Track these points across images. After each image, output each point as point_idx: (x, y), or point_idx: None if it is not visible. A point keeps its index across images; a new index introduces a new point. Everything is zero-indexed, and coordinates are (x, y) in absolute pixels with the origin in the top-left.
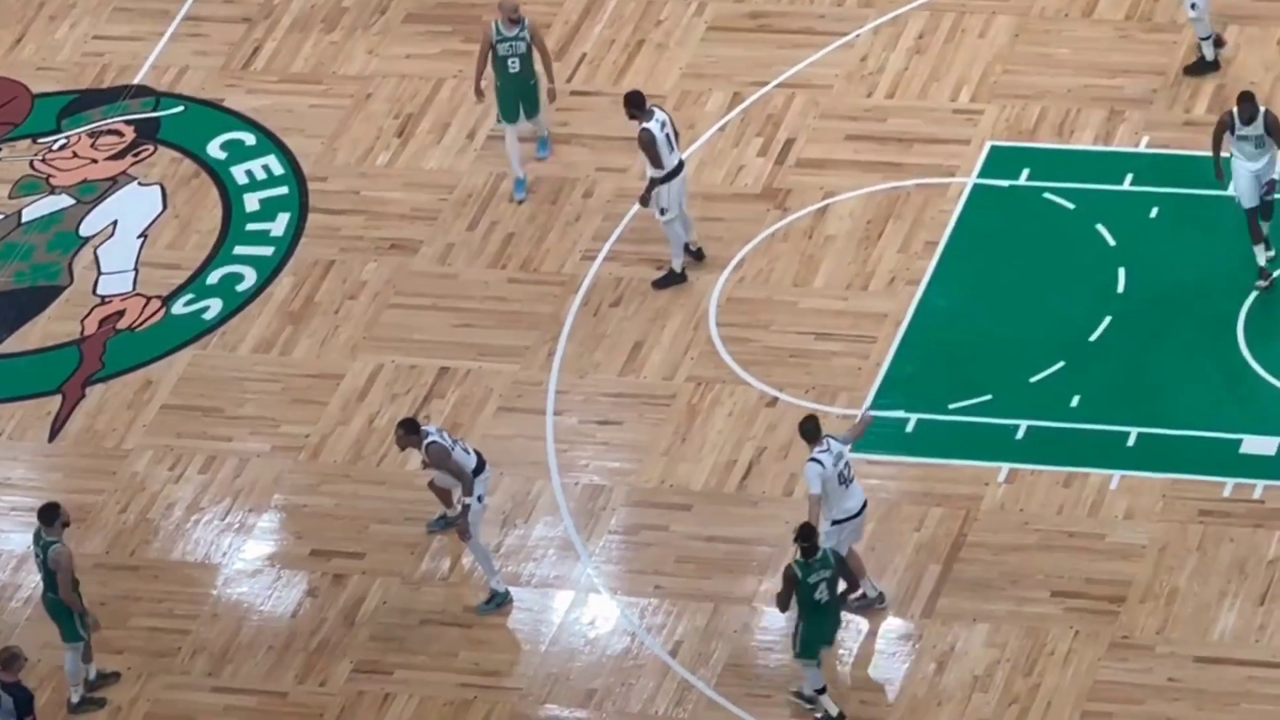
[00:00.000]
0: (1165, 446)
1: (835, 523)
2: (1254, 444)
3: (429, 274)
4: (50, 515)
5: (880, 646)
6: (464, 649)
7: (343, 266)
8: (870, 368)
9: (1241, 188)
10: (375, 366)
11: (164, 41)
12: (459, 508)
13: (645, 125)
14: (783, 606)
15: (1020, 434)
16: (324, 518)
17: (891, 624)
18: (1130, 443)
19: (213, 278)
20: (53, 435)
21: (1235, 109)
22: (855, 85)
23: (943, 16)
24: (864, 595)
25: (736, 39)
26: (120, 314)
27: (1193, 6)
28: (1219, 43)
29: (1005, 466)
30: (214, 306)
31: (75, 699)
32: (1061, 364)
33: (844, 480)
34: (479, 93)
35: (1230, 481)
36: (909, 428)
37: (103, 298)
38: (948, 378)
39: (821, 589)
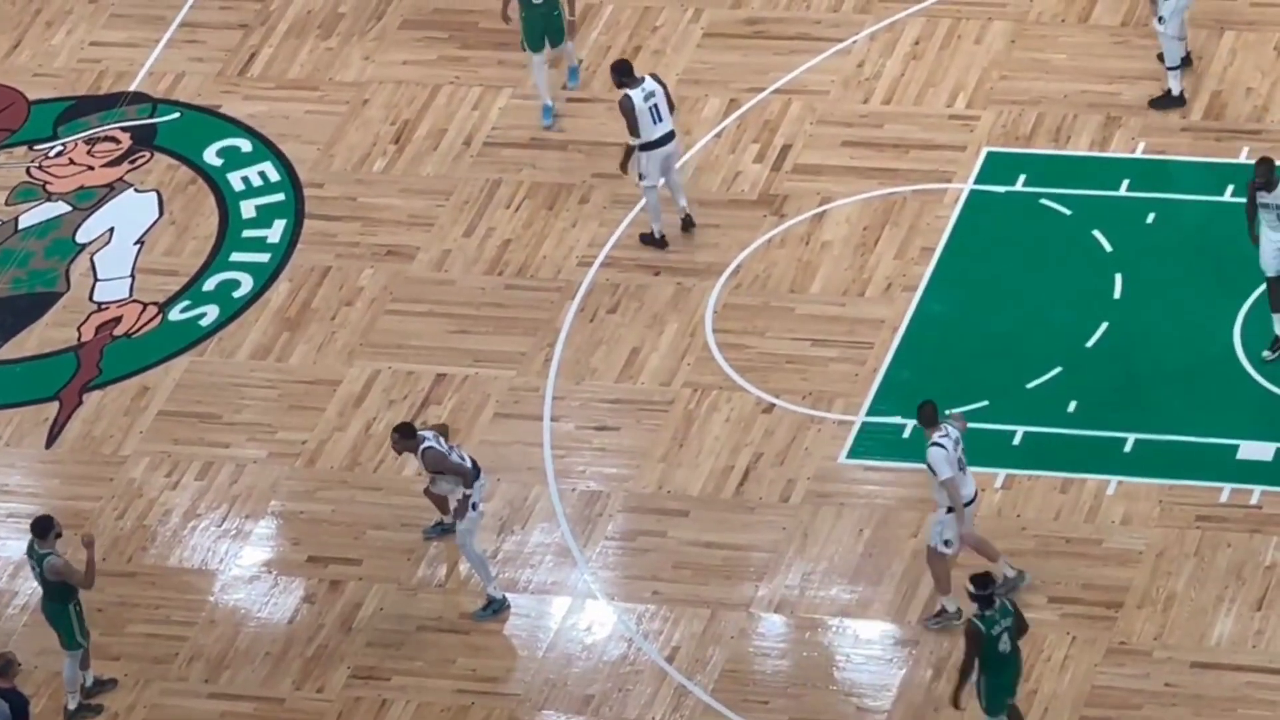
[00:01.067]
0: (1162, 452)
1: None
2: (1251, 449)
3: (426, 280)
4: (44, 528)
5: (877, 652)
6: (461, 655)
7: (339, 273)
8: (867, 374)
9: (1265, 256)
10: (372, 372)
11: (160, 48)
12: (454, 505)
13: (626, 92)
14: (968, 669)
15: (1017, 440)
16: (321, 524)
17: (888, 629)
18: (1127, 448)
19: (209, 284)
20: (50, 441)
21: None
22: (852, 91)
23: (939, 22)
24: (1005, 579)
25: (733, 45)
26: (117, 320)
27: (1160, 20)
28: (1188, 62)
29: (1002, 472)
30: (211, 313)
31: (72, 706)
32: (1058, 370)
33: (962, 466)
34: (506, 18)
35: (1227, 487)
36: (906, 433)
37: (100, 304)
38: (944, 384)
39: (1004, 639)
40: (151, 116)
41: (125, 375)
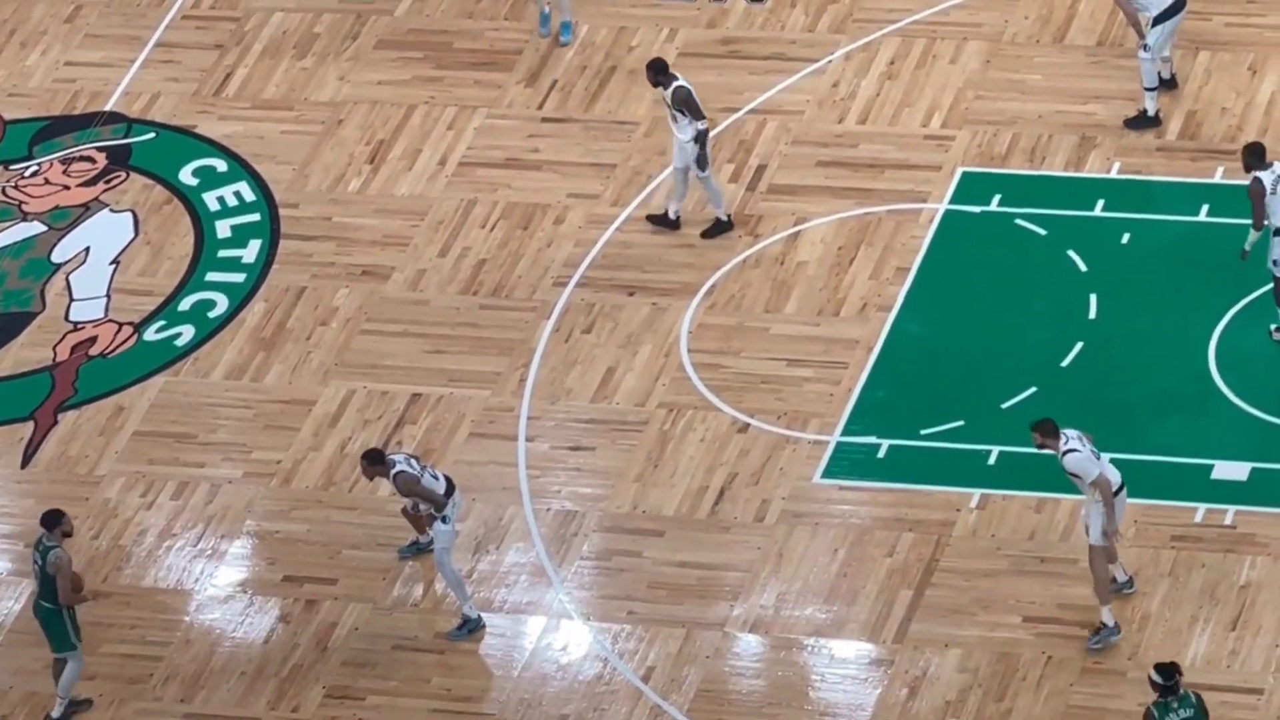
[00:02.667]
0: (1137, 472)
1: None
2: (1225, 469)
3: (401, 300)
4: (53, 520)
5: (852, 672)
6: (436, 675)
7: (314, 293)
8: (842, 394)
9: (1276, 251)
10: (347, 392)
11: (135, 68)
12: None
13: (679, 83)
14: None
15: (992, 459)
16: (296, 543)
17: (863, 649)
18: None
19: (185, 304)
20: (25, 462)
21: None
22: (827, 111)
23: (914, 43)
24: (1114, 579)
25: (708, 65)
26: (92, 340)
27: (1144, 48)
28: (1172, 84)
29: (977, 492)
30: (186, 333)
31: (57, 713)
32: (1033, 390)
33: (1099, 456)
34: None
35: (1202, 507)
36: (881, 453)
37: (75, 324)
38: (920, 403)
39: None
40: (127, 136)
41: (100, 395)
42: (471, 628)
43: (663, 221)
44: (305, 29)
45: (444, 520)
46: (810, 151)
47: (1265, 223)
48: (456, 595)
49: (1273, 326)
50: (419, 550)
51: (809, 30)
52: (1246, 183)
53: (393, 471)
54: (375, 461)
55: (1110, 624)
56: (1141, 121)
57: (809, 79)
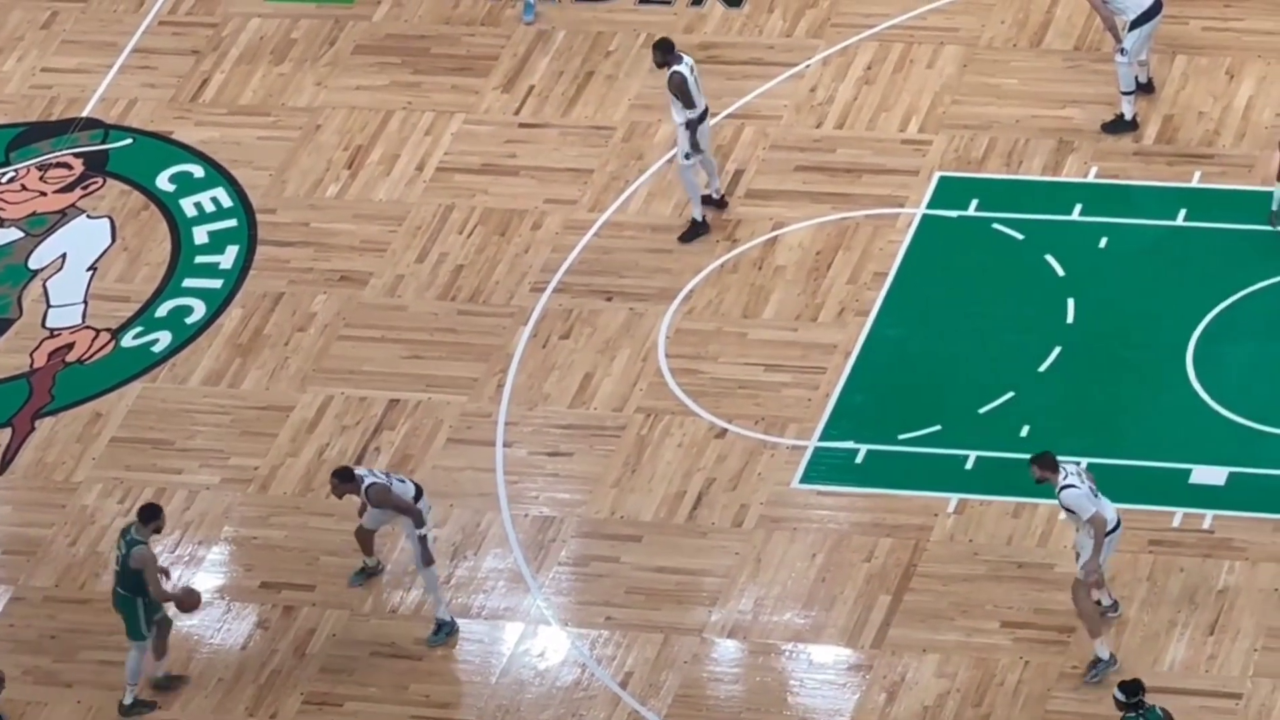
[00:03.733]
0: (1115, 477)
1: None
2: (1203, 474)
3: (378, 306)
4: (150, 515)
5: (830, 677)
6: (414, 681)
7: (292, 298)
8: (820, 399)
9: None
10: (325, 398)
11: (112, 74)
12: (409, 543)
13: (676, 68)
14: None
15: (970, 464)
16: (274, 550)
17: (842, 654)
18: None
19: (162, 310)
20: (2, 468)
21: None
22: (804, 116)
23: (891, 47)
24: (1099, 603)
25: None
26: (69, 347)
27: (1122, 52)
28: (1150, 88)
29: (955, 497)
30: (163, 339)
31: (128, 700)
32: (1011, 394)
33: (1096, 494)
34: None
35: (1180, 511)
36: (859, 458)
37: (52, 330)
38: (897, 408)
39: None
40: (104, 142)
41: (78, 401)
42: (447, 631)
43: (709, 202)
44: (282, 35)
45: (420, 526)
46: (788, 156)
47: None
48: (433, 598)
49: None
50: (369, 575)
51: (786, 35)
52: (1224, 187)
53: (364, 486)
54: (345, 479)
55: (1105, 657)
56: (1119, 126)
57: (786, 84)
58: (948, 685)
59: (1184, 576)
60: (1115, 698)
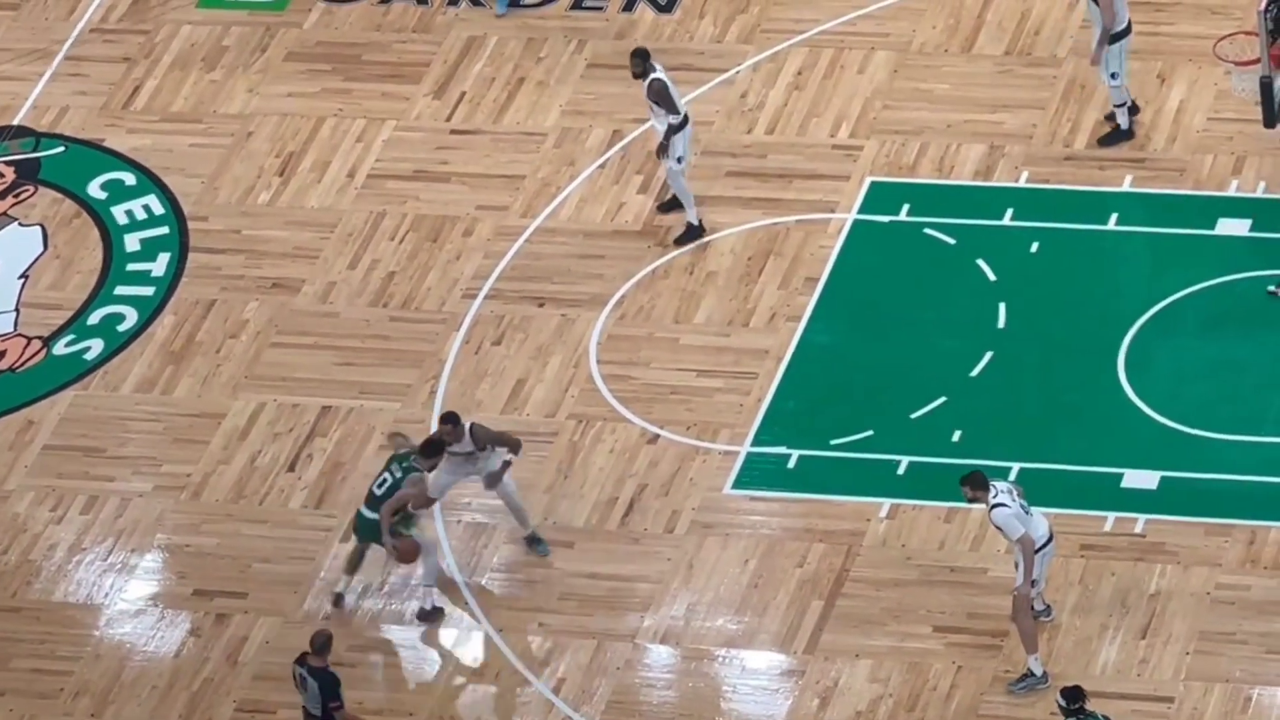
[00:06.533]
0: (1047, 481)
1: (1035, 551)
2: (1135, 478)
3: (310, 313)
4: (433, 451)
5: (764, 683)
6: (347, 688)
7: (224, 306)
8: (751, 404)
9: None
10: (257, 405)
11: (44, 81)
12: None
13: (655, 75)
14: None
15: (902, 469)
16: (206, 557)
17: (774, 660)
18: (1012, 477)
19: (94, 318)
20: None
21: None
22: (735, 122)
23: (822, 53)
24: (1032, 607)
25: (617, 76)
26: (1, 354)
27: (1113, 76)
28: (1134, 110)
29: (887, 502)
30: (95, 347)
31: (428, 606)
32: (943, 399)
33: (1028, 510)
34: None
35: (1111, 515)
36: (791, 464)
37: None
38: (829, 414)
39: None
40: (35, 150)
41: (9, 410)
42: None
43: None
44: (214, 42)
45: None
46: (719, 162)
47: None
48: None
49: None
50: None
51: (717, 41)
52: (1156, 191)
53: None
54: (454, 420)
55: (1038, 674)
56: (1115, 137)
57: (717, 89)
58: (881, 690)
59: (1116, 580)
60: (1057, 703)
